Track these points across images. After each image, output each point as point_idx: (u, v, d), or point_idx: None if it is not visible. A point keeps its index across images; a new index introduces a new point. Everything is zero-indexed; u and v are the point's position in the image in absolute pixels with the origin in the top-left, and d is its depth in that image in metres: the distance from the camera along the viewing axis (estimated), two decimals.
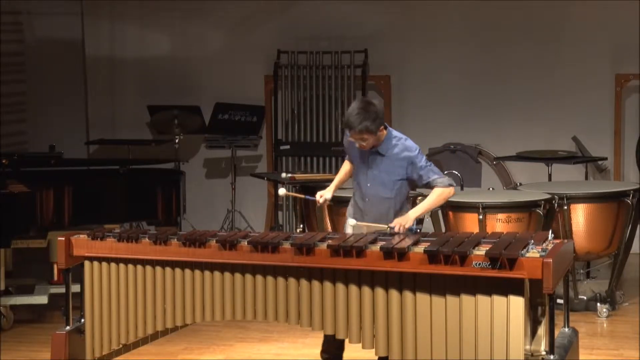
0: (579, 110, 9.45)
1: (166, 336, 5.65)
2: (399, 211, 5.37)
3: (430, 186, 5.37)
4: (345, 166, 5.65)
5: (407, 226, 5.20)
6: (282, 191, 5.65)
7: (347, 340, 4.93)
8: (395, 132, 5.38)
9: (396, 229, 5.17)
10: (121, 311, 5.36)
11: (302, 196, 5.75)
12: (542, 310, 4.72)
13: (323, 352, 5.63)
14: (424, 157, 5.35)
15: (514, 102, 9.62)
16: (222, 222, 9.73)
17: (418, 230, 5.35)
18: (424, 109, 9.75)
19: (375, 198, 5.38)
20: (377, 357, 5.22)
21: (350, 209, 5.55)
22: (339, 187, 5.66)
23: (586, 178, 8.92)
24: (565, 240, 4.91)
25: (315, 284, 4.89)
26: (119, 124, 10.32)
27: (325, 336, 5.55)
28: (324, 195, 5.51)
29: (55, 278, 7.48)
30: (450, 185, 5.34)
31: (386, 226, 5.20)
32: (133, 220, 8.25)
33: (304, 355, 5.74)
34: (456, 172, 8.23)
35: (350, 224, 5.35)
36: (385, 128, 5.31)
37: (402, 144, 5.33)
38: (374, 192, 5.37)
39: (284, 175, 7.56)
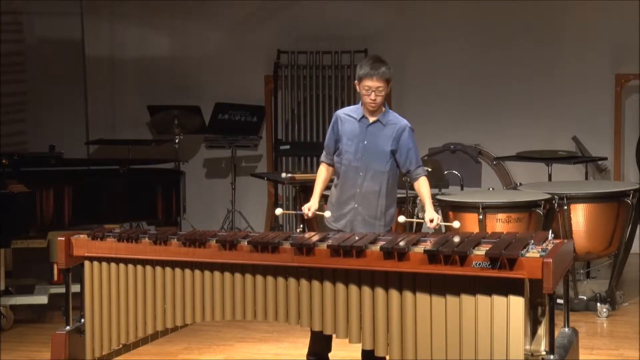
0: (579, 110, 9.46)
1: (166, 336, 5.64)
2: (390, 207, 5.38)
3: (415, 173, 5.38)
4: (322, 173, 5.55)
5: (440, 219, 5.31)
6: (278, 211, 5.65)
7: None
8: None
9: (435, 224, 5.22)
10: (121, 311, 5.35)
11: (295, 212, 5.75)
12: (542, 310, 4.72)
13: (309, 354, 5.63)
14: (415, 141, 5.43)
15: (514, 102, 9.63)
16: (222, 222, 9.73)
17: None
18: (424, 109, 9.74)
19: (368, 172, 5.35)
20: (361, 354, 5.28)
21: (329, 212, 5.45)
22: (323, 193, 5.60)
23: (586, 178, 8.92)
24: (565, 240, 4.91)
25: (315, 284, 4.89)
26: (119, 124, 10.33)
27: (311, 339, 5.57)
28: (311, 208, 5.46)
29: (55, 278, 7.48)
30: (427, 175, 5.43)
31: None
32: (133, 220, 8.26)
33: (304, 355, 5.72)
34: (456, 172, 8.23)
35: None
36: (384, 105, 5.44)
37: (399, 117, 5.50)
38: (366, 164, 5.36)
39: (284, 175, 7.56)
